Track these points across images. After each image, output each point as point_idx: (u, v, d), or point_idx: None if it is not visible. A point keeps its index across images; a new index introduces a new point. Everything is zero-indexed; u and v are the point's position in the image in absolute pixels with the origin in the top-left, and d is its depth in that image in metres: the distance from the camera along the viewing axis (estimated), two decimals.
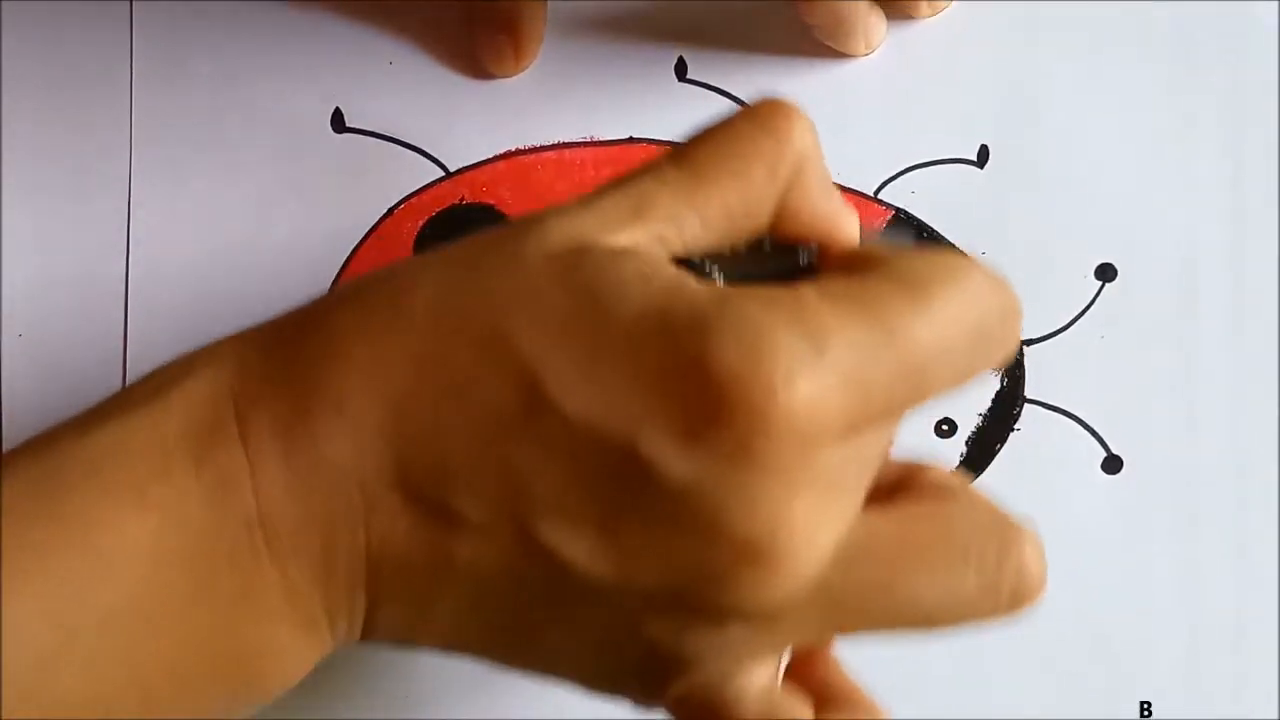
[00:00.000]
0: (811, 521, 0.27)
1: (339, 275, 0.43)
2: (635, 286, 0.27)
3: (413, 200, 0.43)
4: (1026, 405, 0.42)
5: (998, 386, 0.42)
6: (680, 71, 0.43)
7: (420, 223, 0.43)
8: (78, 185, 0.43)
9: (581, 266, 0.28)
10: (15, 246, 0.43)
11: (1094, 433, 0.41)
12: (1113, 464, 0.41)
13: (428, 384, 0.27)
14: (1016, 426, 0.42)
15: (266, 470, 0.28)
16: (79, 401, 0.42)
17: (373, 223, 0.43)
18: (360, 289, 0.29)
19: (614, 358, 0.27)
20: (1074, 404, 0.41)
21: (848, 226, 0.31)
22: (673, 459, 0.26)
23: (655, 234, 0.29)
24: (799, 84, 0.42)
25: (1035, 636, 0.41)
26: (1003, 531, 0.30)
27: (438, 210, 0.43)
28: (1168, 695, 0.41)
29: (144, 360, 0.42)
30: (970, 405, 0.42)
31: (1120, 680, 0.41)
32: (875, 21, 0.41)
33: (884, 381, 0.27)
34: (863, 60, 0.42)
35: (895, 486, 0.30)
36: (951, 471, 0.32)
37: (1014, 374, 0.42)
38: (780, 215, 0.30)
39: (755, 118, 0.30)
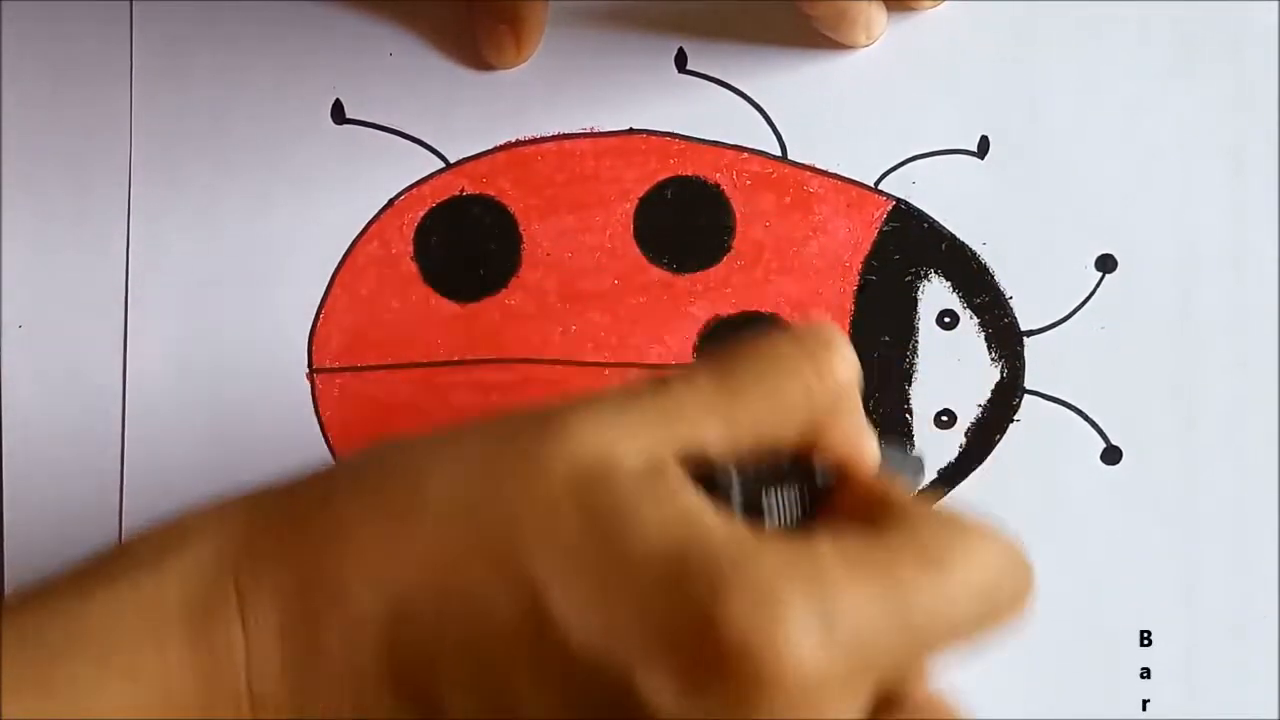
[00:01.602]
0: None
1: (339, 267, 0.43)
2: (653, 519, 0.27)
3: (413, 191, 0.43)
4: (1026, 396, 0.42)
5: (998, 377, 0.42)
6: (680, 62, 0.43)
7: (420, 214, 0.43)
8: (77, 181, 0.43)
9: (601, 489, 0.27)
10: (15, 246, 0.43)
11: (1093, 424, 0.41)
12: (1112, 455, 0.41)
13: (432, 589, 0.27)
14: (1016, 417, 0.42)
15: (262, 651, 0.28)
16: (79, 399, 0.42)
17: (373, 214, 0.43)
18: (370, 469, 0.29)
19: (624, 593, 0.27)
20: (1073, 395, 0.41)
21: (870, 455, 0.32)
22: (670, 704, 0.26)
23: (682, 443, 0.29)
24: (799, 75, 0.42)
25: (1034, 632, 0.41)
26: None
27: (438, 201, 0.43)
28: (1166, 691, 0.41)
29: (144, 357, 0.42)
30: (970, 396, 0.42)
31: (1119, 675, 0.41)
32: (876, 13, 0.41)
33: (889, 651, 0.27)
34: (863, 51, 0.42)
35: (884, 701, 0.30)
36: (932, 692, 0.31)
37: (1014, 365, 0.42)
38: (808, 440, 0.31)
39: (800, 343, 0.30)
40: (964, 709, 0.31)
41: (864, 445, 0.31)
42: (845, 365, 0.31)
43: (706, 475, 0.29)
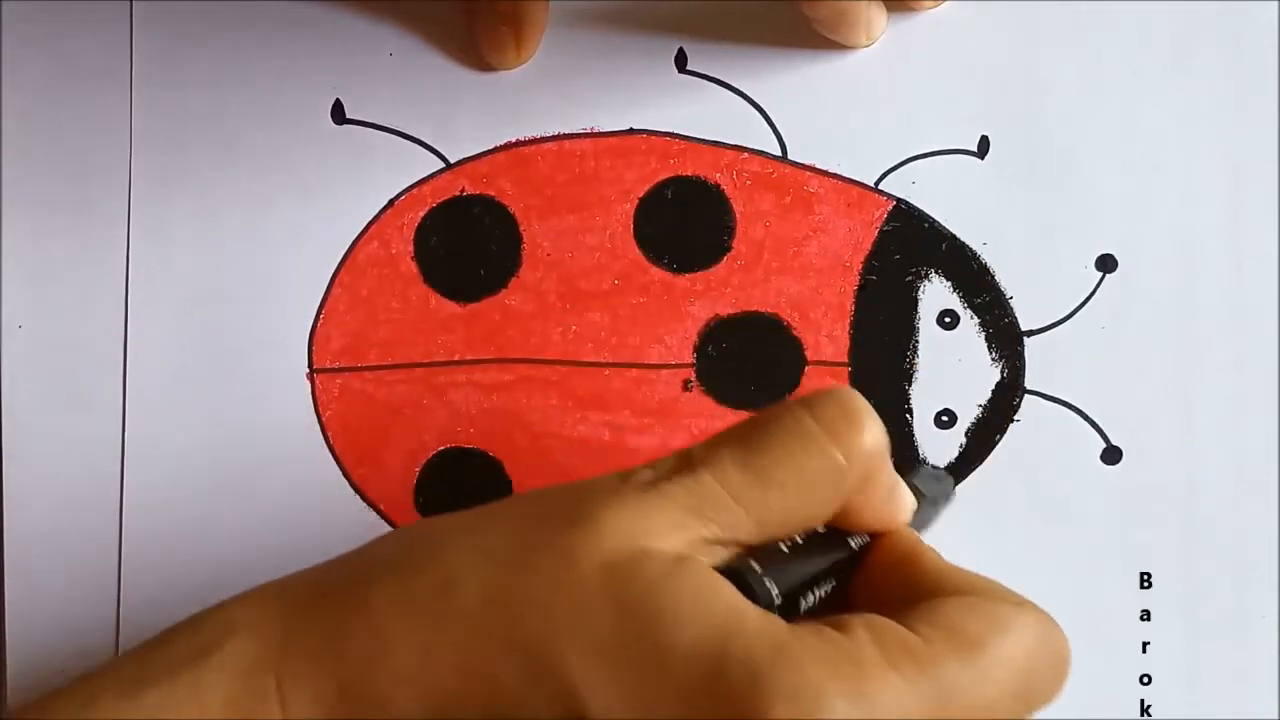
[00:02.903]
0: None
1: (339, 267, 0.43)
2: (690, 614, 0.27)
3: (413, 192, 0.43)
4: (1026, 396, 0.42)
5: (998, 377, 0.42)
6: (680, 63, 0.43)
7: (420, 214, 0.43)
8: (78, 182, 0.43)
9: (635, 583, 0.27)
10: (15, 246, 0.43)
11: (1094, 424, 0.41)
12: (1112, 455, 0.41)
13: (470, 693, 0.28)
14: (1016, 417, 0.42)
15: None
16: (79, 399, 0.42)
17: (373, 214, 0.43)
18: (404, 564, 0.29)
19: (663, 694, 0.27)
20: (1074, 395, 0.41)
21: (903, 517, 0.32)
22: None
23: (711, 535, 0.29)
24: (800, 75, 0.42)
25: None
26: None
27: (438, 202, 0.43)
28: (1167, 693, 0.41)
29: (144, 358, 0.42)
30: (970, 396, 0.42)
31: (1118, 677, 0.41)
32: (876, 13, 0.41)
33: None
34: (863, 51, 0.42)
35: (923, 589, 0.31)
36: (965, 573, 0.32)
37: (1014, 365, 0.42)
38: (839, 510, 0.31)
39: (827, 424, 0.30)
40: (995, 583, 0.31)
41: (897, 508, 0.32)
42: (872, 437, 0.30)
43: (738, 576, 0.29)
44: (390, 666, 0.28)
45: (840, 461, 0.30)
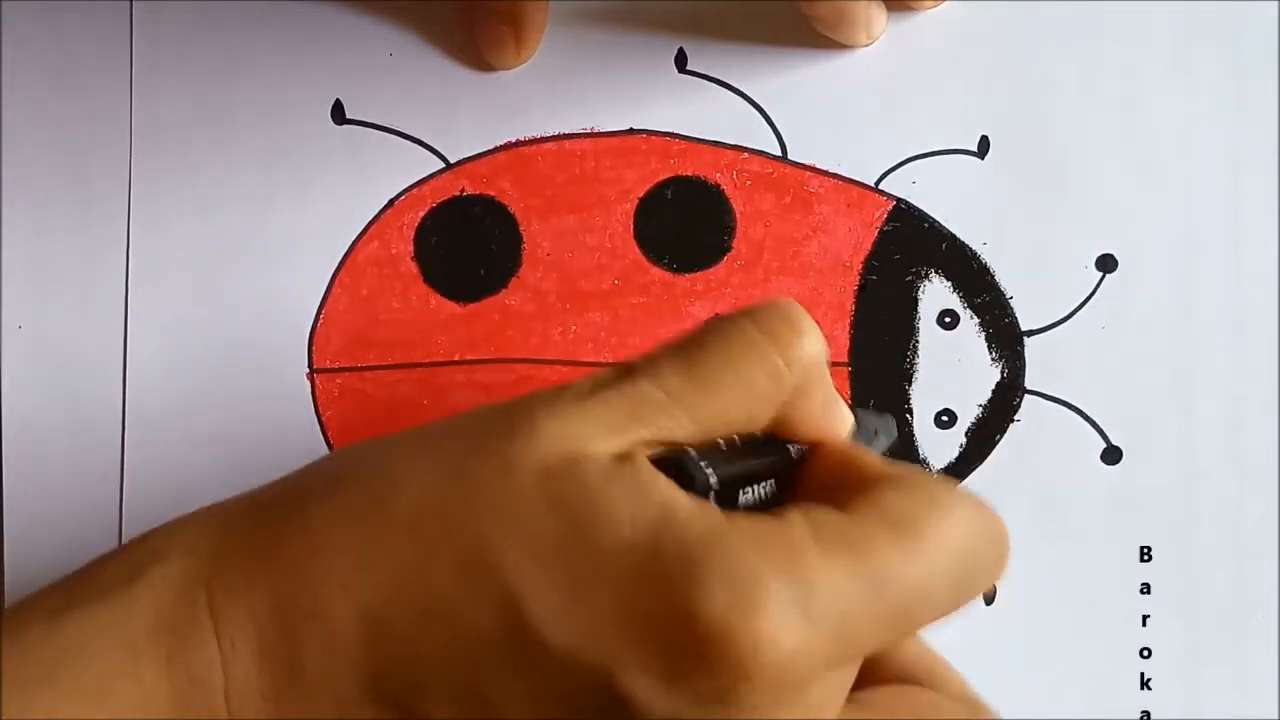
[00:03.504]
0: None
1: (339, 267, 0.43)
2: (625, 511, 0.27)
3: (413, 192, 0.43)
4: (1026, 396, 0.42)
5: (998, 377, 0.42)
6: (680, 63, 0.43)
7: (421, 214, 0.43)
8: (78, 181, 0.43)
9: (571, 484, 0.27)
10: (15, 246, 0.43)
11: (1094, 424, 0.41)
12: (1112, 455, 0.41)
13: (408, 598, 0.27)
14: (1016, 417, 0.42)
15: (239, 670, 0.27)
16: (79, 399, 0.42)
17: (373, 214, 0.43)
18: (340, 475, 0.29)
19: (600, 590, 0.26)
20: (1074, 395, 0.41)
21: (842, 425, 0.32)
22: (653, 699, 0.26)
23: (650, 436, 0.29)
24: (799, 75, 0.42)
25: (1035, 631, 0.41)
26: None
27: (438, 202, 0.43)
28: (1167, 693, 0.41)
29: (144, 357, 0.43)
30: (970, 396, 0.42)
31: (1118, 678, 0.41)
32: (876, 13, 0.41)
33: (870, 628, 0.27)
34: (863, 51, 0.42)
35: (866, 673, 0.30)
36: (917, 649, 0.32)
37: (1014, 365, 0.42)
38: (778, 418, 0.30)
39: (764, 326, 0.30)
40: (945, 667, 0.31)
41: (835, 417, 0.31)
42: (811, 343, 0.30)
43: (677, 466, 0.29)
44: (326, 576, 0.27)
45: (779, 365, 0.30)
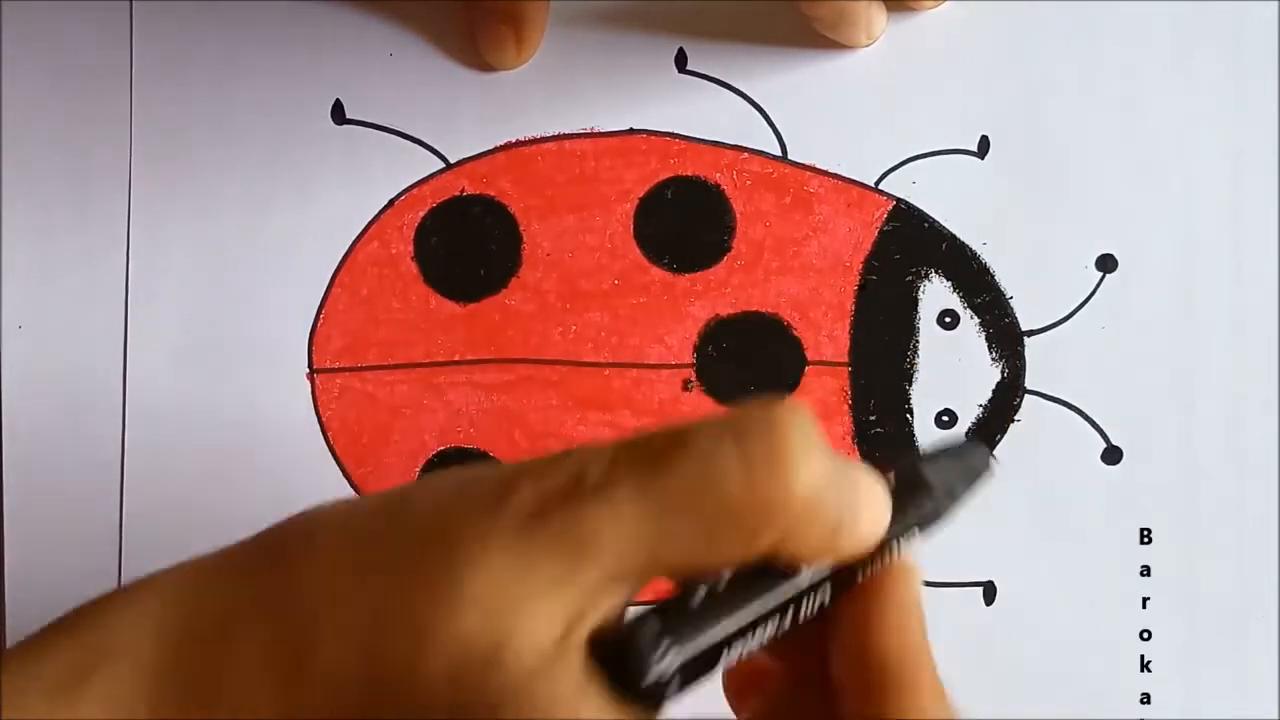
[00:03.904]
0: None
1: (339, 267, 0.43)
2: None
3: (413, 192, 0.43)
4: (1027, 396, 0.42)
5: (998, 377, 0.42)
6: (680, 63, 0.43)
7: (420, 214, 0.43)
8: (77, 181, 0.43)
9: (484, 695, 0.24)
10: (15, 246, 0.43)
11: (1094, 424, 0.41)
12: (1113, 455, 0.41)
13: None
14: (1017, 417, 0.42)
15: None
16: (79, 399, 0.42)
17: (373, 214, 0.43)
18: (271, 612, 0.27)
19: None
20: (1074, 395, 0.41)
21: (856, 548, 0.27)
22: None
23: (602, 576, 0.25)
24: (799, 75, 0.42)
25: (1035, 632, 0.41)
26: None
27: (438, 201, 0.43)
28: (1167, 692, 0.41)
29: (144, 357, 0.42)
30: (971, 396, 0.42)
31: (1119, 675, 0.41)
32: (876, 13, 0.41)
33: None
34: (864, 51, 0.42)
35: None
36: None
37: (1014, 365, 0.42)
38: (776, 545, 0.26)
39: (749, 458, 0.25)
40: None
41: (846, 544, 0.27)
42: (805, 484, 0.25)
43: (627, 650, 0.25)
44: (252, 710, 0.26)
45: (761, 504, 0.25)
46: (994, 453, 0.42)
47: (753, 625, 0.26)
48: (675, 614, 0.25)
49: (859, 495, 0.27)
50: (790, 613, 0.27)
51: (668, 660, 0.25)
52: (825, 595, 0.27)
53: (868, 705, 0.27)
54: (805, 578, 0.26)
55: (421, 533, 0.26)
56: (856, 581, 0.28)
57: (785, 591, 0.26)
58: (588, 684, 0.25)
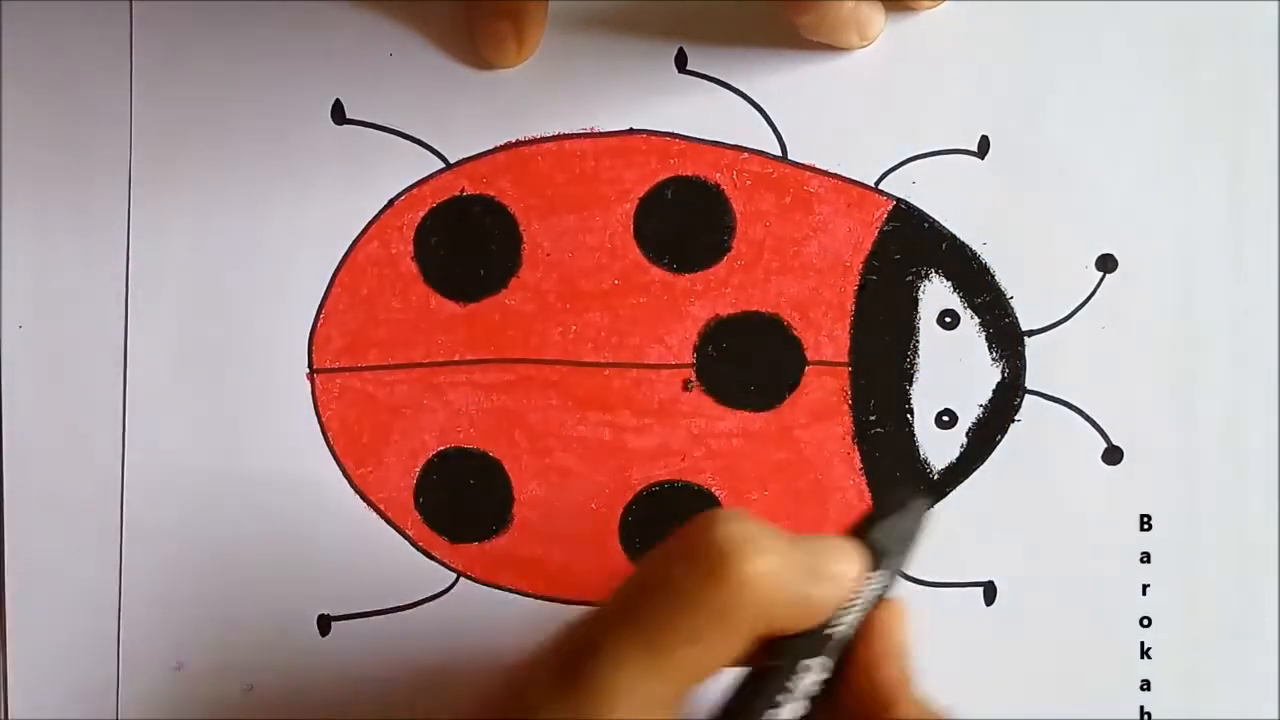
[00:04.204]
0: None
1: (339, 267, 0.43)
2: None
3: (413, 192, 0.43)
4: (1027, 396, 0.42)
5: (998, 377, 0.42)
6: (680, 63, 0.43)
7: (420, 214, 0.43)
8: (77, 181, 0.43)
9: None
10: (15, 246, 0.43)
11: (1094, 424, 0.41)
12: (1113, 455, 0.41)
13: None
14: (1017, 417, 0.42)
15: None
16: (79, 399, 0.42)
17: (373, 214, 0.43)
18: None
19: None
20: (1074, 395, 0.41)
21: (827, 606, 0.32)
22: None
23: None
24: (799, 75, 0.42)
25: (1036, 631, 0.41)
26: None
27: (438, 201, 0.43)
28: (1167, 693, 0.41)
29: (144, 357, 0.42)
30: (971, 396, 0.42)
31: (1119, 676, 0.41)
32: (869, 13, 0.41)
33: None
34: (863, 51, 0.42)
35: None
36: None
37: (1014, 365, 0.42)
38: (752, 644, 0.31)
39: (703, 571, 0.30)
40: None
41: (817, 607, 0.32)
42: (757, 570, 0.30)
43: None
44: None
45: (721, 607, 0.30)
46: (992, 453, 0.42)
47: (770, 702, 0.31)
48: None
49: (824, 563, 0.32)
50: (791, 701, 0.31)
51: None
52: (826, 676, 0.32)
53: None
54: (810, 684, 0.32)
55: None
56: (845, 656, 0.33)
57: (781, 675, 0.31)
58: None
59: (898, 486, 0.41)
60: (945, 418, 0.42)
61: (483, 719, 0.31)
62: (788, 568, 0.31)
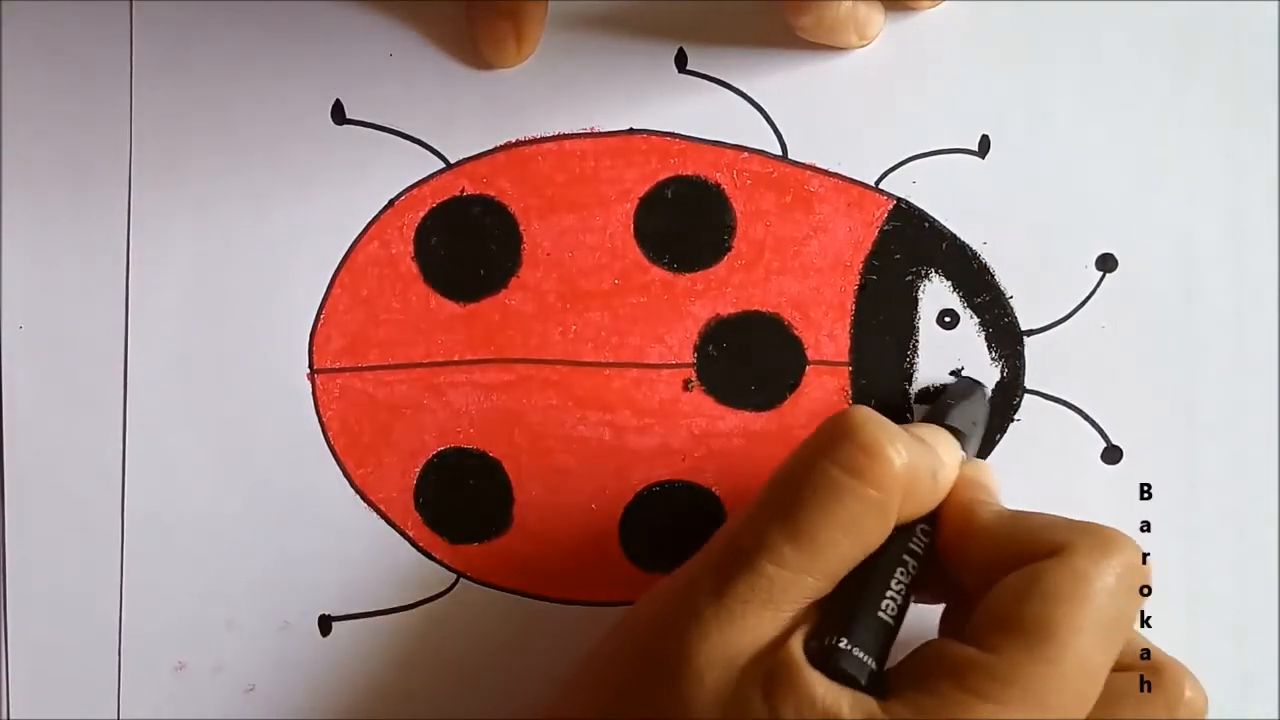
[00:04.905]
0: None
1: (339, 268, 0.43)
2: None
3: (413, 192, 0.43)
4: (1026, 395, 0.42)
5: (998, 377, 0.42)
6: (680, 63, 0.43)
7: (420, 214, 0.43)
8: (77, 181, 0.43)
9: (743, 706, 0.32)
10: (15, 246, 0.43)
11: (1094, 423, 0.41)
12: (1113, 454, 0.41)
13: None
14: (1017, 417, 0.42)
15: None
16: (79, 399, 0.42)
17: (373, 214, 0.43)
18: None
19: None
20: (1074, 394, 0.41)
21: (949, 485, 0.36)
22: None
23: (793, 612, 0.33)
24: (799, 75, 0.42)
25: None
26: None
27: (438, 202, 0.43)
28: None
29: (144, 357, 0.43)
30: None
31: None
32: (867, 13, 0.41)
33: None
34: (863, 51, 0.42)
35: None
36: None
37: (1014, 364, 0.42)
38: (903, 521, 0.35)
39: (847, 465, 0.33)
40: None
41: (944, 490, 0.36)
42: (899, 462, 0.34)
43: (828, 655, 0.33)
44: None
45: (878, 498, 0.33)
46: (991, 453, 0.42)
47: (899, 587, 0.35)
48: (855, 621, 0.34)
49: (936, 449, 0.36)
50: (912, 562, 0.35)
51: (861, 661, 0.33)
52: (930, 534, 0.36)
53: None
54: (921, 538, 0.36)
55: (662, 627, 0.34)
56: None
57: (912, 558, 0.35)
58: (812, 688, 0.32)
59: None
60: None
61: (649, 626, 0.34)
62: (920, 457, 0.34)
